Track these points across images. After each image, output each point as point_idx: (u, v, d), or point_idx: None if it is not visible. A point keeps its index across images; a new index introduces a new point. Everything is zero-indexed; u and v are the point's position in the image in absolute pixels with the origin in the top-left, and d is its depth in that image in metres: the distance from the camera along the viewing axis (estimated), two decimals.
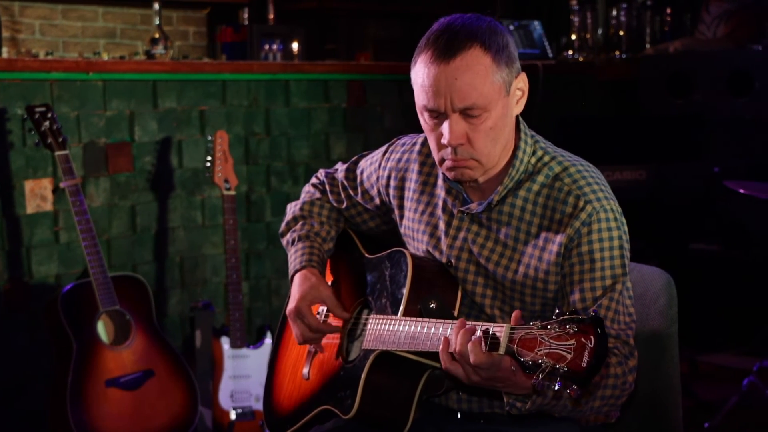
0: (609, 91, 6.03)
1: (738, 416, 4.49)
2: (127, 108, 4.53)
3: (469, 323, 2.17)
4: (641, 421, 2.62)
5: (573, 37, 6.14)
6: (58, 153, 3.94)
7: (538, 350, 1.98)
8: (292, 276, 2.67)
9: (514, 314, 2.11)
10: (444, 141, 2.31)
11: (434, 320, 2.31)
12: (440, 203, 2.52)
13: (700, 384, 4.99)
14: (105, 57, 4.75)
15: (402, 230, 2.64)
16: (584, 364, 1.92)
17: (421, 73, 2.31)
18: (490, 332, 2.10)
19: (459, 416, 2.51)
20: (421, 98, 2.33)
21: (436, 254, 2.51)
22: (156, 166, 4.66)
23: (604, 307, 2.30)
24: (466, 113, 2.29)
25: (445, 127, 2.30)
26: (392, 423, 2.41)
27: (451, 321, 2.27)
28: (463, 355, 2.11)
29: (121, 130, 4.52)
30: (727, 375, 5.08)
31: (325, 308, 2.65)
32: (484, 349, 2.09)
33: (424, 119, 2.36)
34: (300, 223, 2.78)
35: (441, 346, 2.19)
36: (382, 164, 2.66)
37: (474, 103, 2.27)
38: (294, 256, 2.70)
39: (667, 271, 2.62)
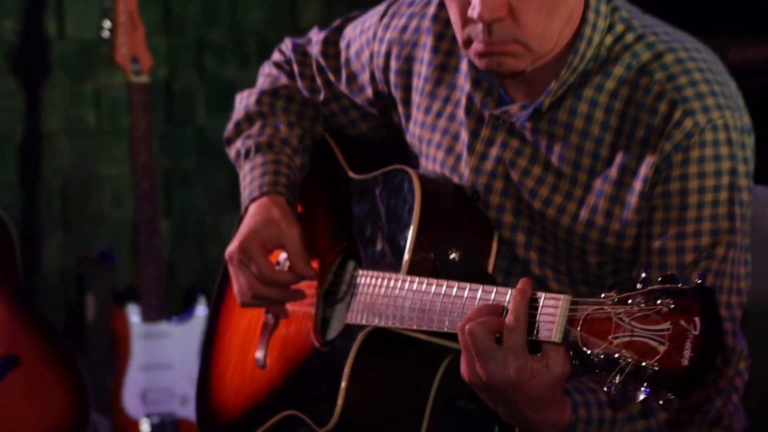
0: None
1: None
2: None
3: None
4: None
5: None
6: None
7: (614, 338, 1.82)
8: (247, 207, 2.55)
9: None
10: (473, 14, 2.16)
11: (456, 282, 2.15)
12: (463, 100, 2.39)
13: None
14: None
15: (408, 138, 2.51)
16: (685, 361, 1.75)
17: None
18: (540, 306, 1.93)
19: (497, 429, 2.34)
20: None
21: (455, 180, 2.40)
22: (22, 36, 4.45)
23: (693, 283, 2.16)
24: None
25: None
26: None
27: (480, 285, 2.09)
28: (471, 335, 1.97)
29: None
30: None
31: (286, 257, 2.54)
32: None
33: None
34: (258, 124, 2.66)
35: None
36: (379, 34, 2.54)
37: None
38: (249, 177, 2.59)
39: None
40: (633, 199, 2.20)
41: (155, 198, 4.20)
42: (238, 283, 2.51)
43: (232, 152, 2.69)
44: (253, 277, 2.48)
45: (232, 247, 2.51)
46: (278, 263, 2.54)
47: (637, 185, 2.19)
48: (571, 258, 2.30)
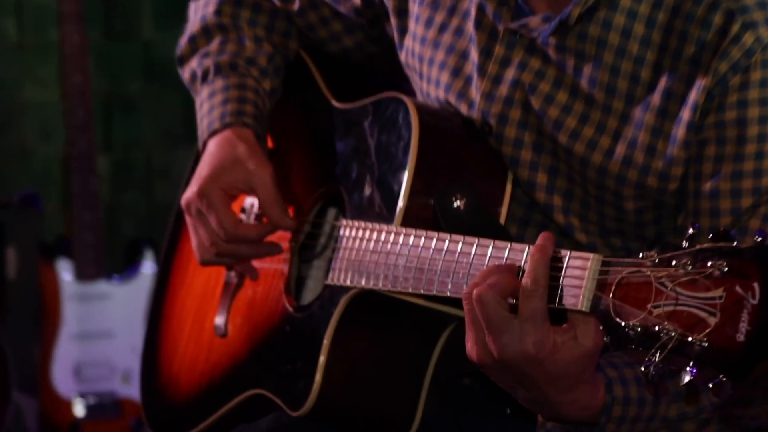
0: None
1: None
2: None
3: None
4: None
5: None
6: None
7: (654, 306, 1.77)
8: (205, 142, 2.48)
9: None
10: None
11: (461, 236, 2.09)
12: (473, 10, 2.30)
13: None
14: None
15: (403, 57, 2.44)
16: (741, 336, 1.69)
17: None
18: (565, 266, 1.87)
19: (509, 411, 2.30)
20: None
21: (463, 108, 2.30)
22: None
23: (751, 233, 2.08)
24: None
25: None
26: (382, 423, 2.29)
27: (491, 240, 2.01)
28: (480, 301, 1.88)
29: None
30: None
31: (256, 204, 2.47)
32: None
33: None
34: (217, 39, 2.60)
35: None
36: None
37: None
38: (208, 105, 2.52)
39: None
40: (680, 132, 2.10)
41: (91, 129, 4.15)
42: (197, 237, 2.43)
43: (186, 74, 2.59)
44: (213, 231, 2.41)
45: (189, 192, 2.41)
46: (244, 210, 2.45)
47: (685, 114, 2.09)
48: (603, 204, 2.20)
